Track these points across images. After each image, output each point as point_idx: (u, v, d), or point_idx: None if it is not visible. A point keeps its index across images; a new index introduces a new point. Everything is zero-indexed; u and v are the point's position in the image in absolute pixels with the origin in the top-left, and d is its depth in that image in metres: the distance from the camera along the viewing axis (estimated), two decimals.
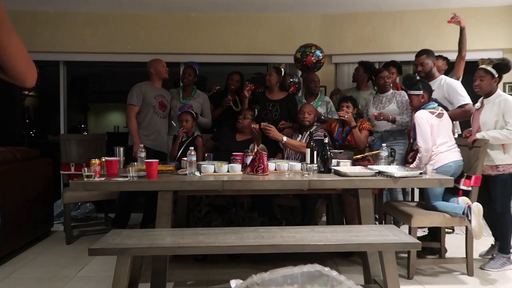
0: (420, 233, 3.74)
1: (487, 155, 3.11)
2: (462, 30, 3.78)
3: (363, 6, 4.74)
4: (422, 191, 3.82)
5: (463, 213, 2.95)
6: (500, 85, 4.81)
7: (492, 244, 3.46)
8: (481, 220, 2.92)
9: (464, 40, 3.78)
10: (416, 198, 4.87)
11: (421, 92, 3.23)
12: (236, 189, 2.81)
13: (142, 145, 3.29)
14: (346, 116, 3.56)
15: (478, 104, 3.29)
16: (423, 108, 3.21)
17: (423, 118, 3.14)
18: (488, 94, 3.21)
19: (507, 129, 3.06)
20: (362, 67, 4.44)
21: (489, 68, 3.15)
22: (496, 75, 3.15)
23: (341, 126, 3.75)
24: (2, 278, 3.07)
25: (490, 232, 3.47)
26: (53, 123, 7.11)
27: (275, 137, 3.49)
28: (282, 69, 4.16)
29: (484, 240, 3.50)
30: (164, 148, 4.14)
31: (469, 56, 3.89)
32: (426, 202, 3.22)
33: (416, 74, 4.00)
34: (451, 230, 4.13)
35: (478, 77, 3.18)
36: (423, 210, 3.17)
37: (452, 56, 4.04)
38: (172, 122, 3.84)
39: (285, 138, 3.51)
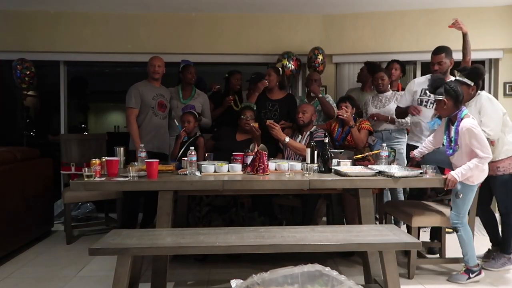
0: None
1: None
2: (464, 36, 3.62)
3: (363, 6, 4.73)
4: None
5: (467, 269, 2.97)
6: (500, 85, 4.86)
7: (489, 249, 3.43)
8: None
9: (467, 45, 3.62)
10: None
11: (441, 97, 2.86)
12: (236, 189, 2.81)
13: (142, 145, 3.27)
14: (345, 115, 3.56)
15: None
16: (461, 118, 2.84)
17: (477, 127, 2.82)
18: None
19: (483, 130, 2.99)
20: (365, 67, 4.42)
21: (463, 79, 3.06)
22: (472, 84, 3.06)
23: (340, 126, 3.75)
24: (2, 278, 3.07)
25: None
26: (53, 123, 7.10)
27: (277, 136, 3.49)
28: (280, 68, 4.16)
29: (486, 241, 3.51)
30: (165, 149, 4.05)
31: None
32: (455, 216, 2.97)
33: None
34: (451, 230, 4.12)
35: None
36: (424, 210, 3.17)
37: (453, 56, 4.02)
38: (175, 121, 3.79)
39: (287, 139, 3.50)
